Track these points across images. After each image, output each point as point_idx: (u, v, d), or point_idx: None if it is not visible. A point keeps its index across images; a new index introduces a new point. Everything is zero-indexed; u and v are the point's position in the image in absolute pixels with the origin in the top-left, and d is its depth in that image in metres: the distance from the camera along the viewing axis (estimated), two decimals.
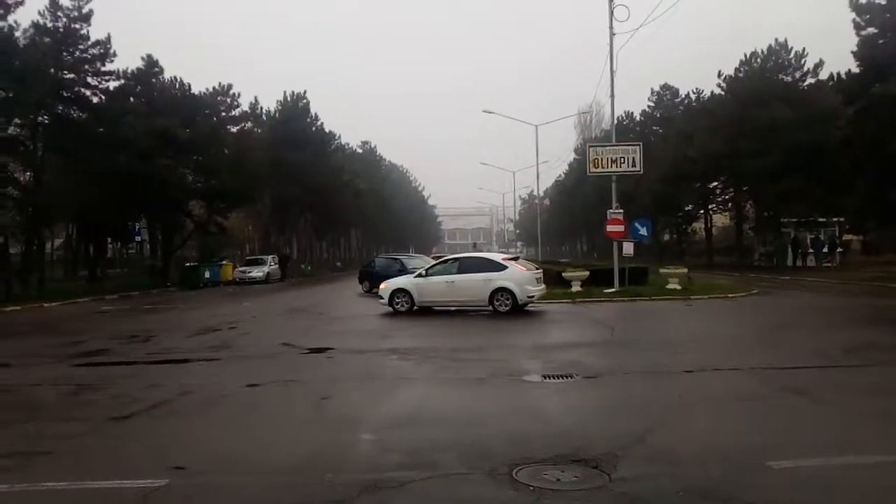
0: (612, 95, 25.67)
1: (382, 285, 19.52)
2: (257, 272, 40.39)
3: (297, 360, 11.62)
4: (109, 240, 41.92)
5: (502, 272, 17.89)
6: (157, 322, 19.18)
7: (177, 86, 38.93)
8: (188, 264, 39.10)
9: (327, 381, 9.44)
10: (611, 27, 24.09)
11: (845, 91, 30.32)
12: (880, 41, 27.81)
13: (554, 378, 9.24)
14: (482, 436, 6.33)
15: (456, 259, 19.81)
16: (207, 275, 37.46)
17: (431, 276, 18.76)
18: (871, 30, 28.10)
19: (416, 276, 19.16)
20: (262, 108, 50.36)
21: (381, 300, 19.06)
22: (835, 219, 40.49)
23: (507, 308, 17.53)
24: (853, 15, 28.32)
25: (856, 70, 29.44)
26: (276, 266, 43.36)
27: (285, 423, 7.33)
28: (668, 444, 5.94)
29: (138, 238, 41.30)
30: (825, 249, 38.93)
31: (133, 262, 44.79)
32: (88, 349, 13.34)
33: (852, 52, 29.03)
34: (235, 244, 55.17)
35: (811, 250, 39.24)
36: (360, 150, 75.86)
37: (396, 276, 21.09)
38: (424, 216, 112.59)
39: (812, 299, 21.26)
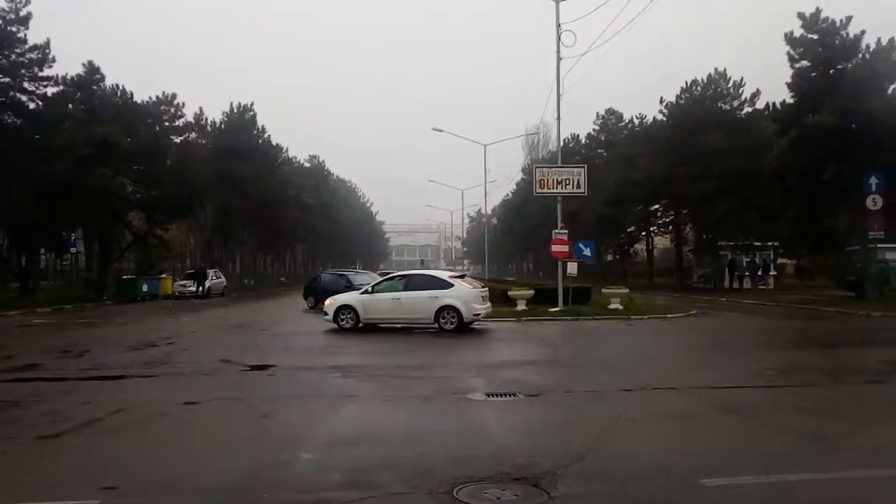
0: (559, 118, 26.20)
1: (327, 301, 19.33)
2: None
3: (237, 377, 11.37)
4: (43, 250, 40.30)
5: (448, 290, 17.94)
6: (91, 336, 18.51)
7: (118, 93, 37.91)
8: (125, 277, 37.89)
9: (268, 399, 9.26)
10: (558, 52, 24.61)
11: (780, 121, 31.50)
12: (812, 74, 29.07)
13: (498, 396, 9.28)
14: (424, 454, 6.32)
15: (403, 276, 19.79)
16: (145, 288, 36.30)
17: (378, 292, 18.69)
18: (805, 62, 29.35)
19: (362, 293, 19.05)
20: (207, 118, 49.57)
21: (326, 317, 18.85)
22: (770, 243, 42.08)
23: (452, 326, 17.56)
24: (788, 48, 29.62)
25: (790, 101, 30.65)
26: (220, 280, 42.42)
27: (223, 442, 7.15)
28: (606, 463, 6.04)
29: (73, 249, 39.79)
30: (760, 272, 40.43)
31: (68, 273, 43.10)
32: (17, 364, 12.76)
33: (787, 84, 30.25)
34: (176, 257, 53.74)
35: (747, 273, 40.66)
36: (307, 164, 75.21)
37: (342, 292, 20.90)
38: (372, 232, 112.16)
39: (747, 321, 21.99)
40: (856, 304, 25.23)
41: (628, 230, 53.64)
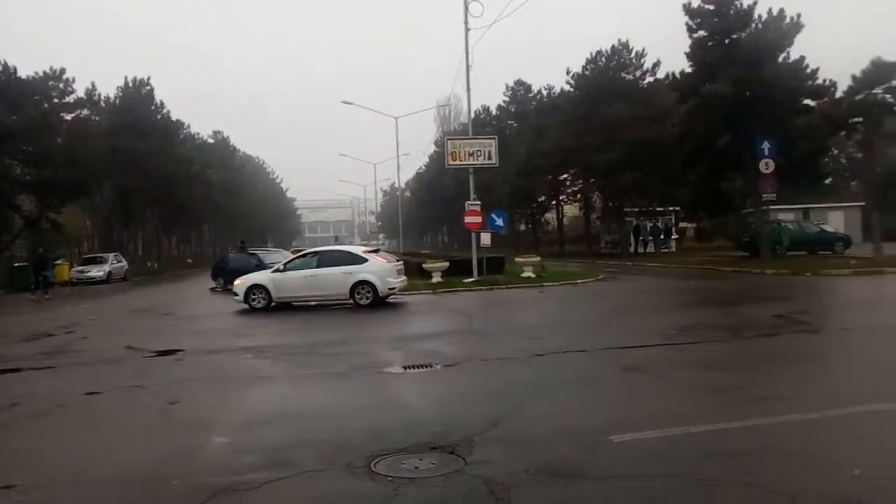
0: (469, 89, 26.24)
1: (237, 281, 18.77)
2: (97, 271, 37.33)
3: (142, 363, 10.88)
4: None
5: (363, 265, 17.79)
6: None
7: (0, 69, 35.10)
8: (17, 264, 35.49)
9: (176, 385, 8.92)
10: (466, 22, 24.59)
11: (679, 90, 32.63)
12: (709, 43, 30.17)
13: (415, 368, 9.31)
14: (341, 430, 6.27)
15: (315, 253, 19.45)
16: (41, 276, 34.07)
17: (290, 270, 18.31)
18: (702, 33, 30.42)
19: (273, 272, 18.61)
20: (100, 94, 46.61)
21: (237, 297, 18.33)
22: (672, 208, 44.02)
23: (368, 301, 17.45)
24: (686, 18, 30.58)
25: (689, 70, 31.71)
26: (120, 264, 40.42)
27: (129, 431, 6.84)
28: (520, 427, 6.17)
29: None
30: (662, 237, 42.29)
31: None
32: None
33: (685, 54, 31.27)
34: (72, 241, 50.75)
35: (651, 237, 42.44)
36: (211, 140, 72.40)
37: (253, 271, 20.35)
38: (283, 209, 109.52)
39: (651, 283, 22.95)
40: (751, 262, 26.78)
41: (539, 200, 54.72)
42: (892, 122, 34.13)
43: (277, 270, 18.55)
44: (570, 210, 59.86)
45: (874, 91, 28.64)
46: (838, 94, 30.98)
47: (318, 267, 18.08)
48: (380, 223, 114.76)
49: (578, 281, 22.90)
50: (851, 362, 8.91)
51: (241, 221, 76.30)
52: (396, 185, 70.16)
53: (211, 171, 59.72)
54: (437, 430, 6.02)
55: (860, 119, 29.63)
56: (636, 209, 43.24)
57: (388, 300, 18.27)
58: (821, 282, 20.12)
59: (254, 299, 18.00)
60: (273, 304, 17.99)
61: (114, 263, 39.38)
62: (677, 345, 10.09)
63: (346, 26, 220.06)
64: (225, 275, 25.31)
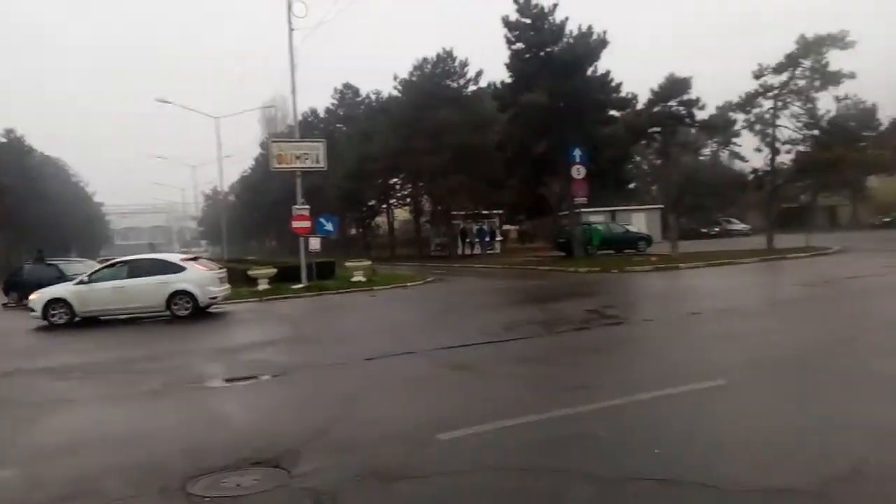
0: (294, 91, 25.70)
1: (33, 296, 16.89)
2: None
3: None
4: None
5: (180, 274, 16.74)
6: None
7: None
8: None
9: None
10: (289, 21, 24.06)
11: (500, 98, 34.29)
12: (526, 55, 31.91)
13: (238, 381, 8.92)
14: (155, 453, 5.82)
15: (125, 262, 17.91)
16: None
17: (96, 282, 16.77)
18: (520, 45, 32.09)
19: (77, 284, 16.95)
20: None
21: (34, 313, 16.50)
22: (496, 211, 46.04)
23: (187, 312, 16.46)
24: (505, 31, 32.10)
25: (508, 80, 33.30)
26: None
27: None
28: (349, 433, 6.09)
29: None
30: (488, 239, 44.12)
31: None
32: None
33: (505, 65, 32.83)
34: None
35: (477, 240, 44.09)
36: (3, 140, 64.64)
37: (53, 283, 18.39)
38: (89, 215, 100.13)
39: (477, 283, 23.81)
40: (566, 262, 28.67)
41: (370, 204, 54.83)
42: (685, 132, 38.26)
43: (82, 282, 16.92)
44: (402, 214, 60.62)
45: (669, 104, 31.75)
46: (640, 106, 34.12)
47: (129, 277, 16.73)
48: (202, 229, 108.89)
49: (409, 284, 23.22)
50: (652, 350, 9.80)
51: (39, 230, 68.71)
52: (219, 189, 66.94)
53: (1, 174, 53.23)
54: (261, 444, 5.79)
55: (658, 129, 32.72)
56: (463, 212, 44.68)
57: (209, 310, 17.35)
58: (626, 278, 21.98)
59: (54, 315, 16.30)
60: (77, 318, 16.39)
61: None
62: (500, 342, 10.52)
63: (160, 15, 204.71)
64: (19, 289, 22.73)
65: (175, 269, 16.93)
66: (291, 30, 24.27)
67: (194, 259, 18.81)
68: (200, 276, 17.00)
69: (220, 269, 18.99)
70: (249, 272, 23.53)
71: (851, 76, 27.84)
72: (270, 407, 7.68)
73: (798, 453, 4.95)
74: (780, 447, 5.09)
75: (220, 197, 68.41)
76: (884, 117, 50.99)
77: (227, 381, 8.96)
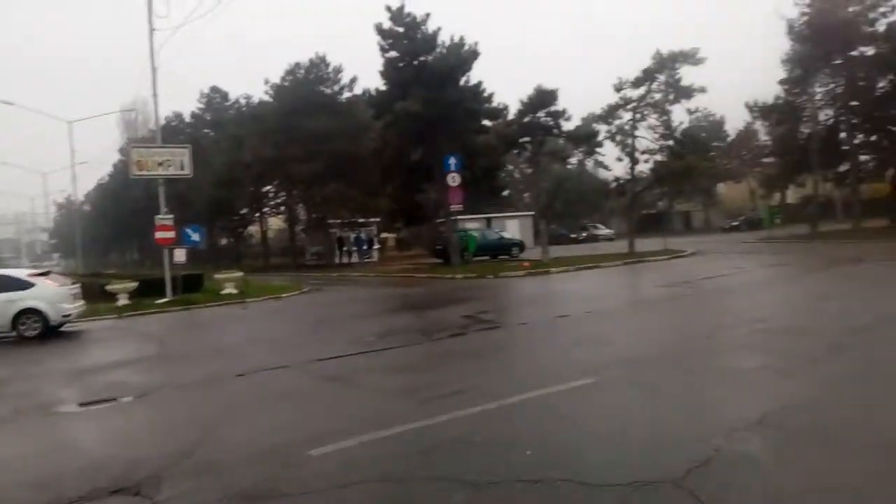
0: (156, 94, 24.43)
1: None
2: None
3: None
4: None
5: (28, 291, 15.38)
6: None
7: None
8: None
9: None
10: (150, 21, 22.86)
11: (376, 106, 34.10)
12: (400, 64, 32.02)
13: (94, 404, 8.28)
14: None
15: None
16: None
17: None
18: (394, 53, 32.11)
19: None
20: None
21: None
22: (373, 219, 45.86)
23: (36, 332, 15.15)
24: (379, 38, 32.05)
25: (383, 88, 33.26)
26: None
27: None
28: (216, 454, 5.81)
29: None
30: (365, 247, 43.88)
31: None
32: None
33: (380, 72, 32.79)
34: None
35: (354, 248, 43.74)
36: None
37: None
38: None
39: (354, 292, 23.59)
40: (443, 269, 29.04)
41: (241, 212, 52.99)
42: (554, 142, 39.94)
43: None
44: (276, 223, 59.00)
45: (538, 115, 33.00)
46: (510, 117, 35.24)
47: None
48: (54, 241, 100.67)
49: (283, 295, 22.61)
50: (526, 353, 10.08)
51: None
52: (73, 198, 62.21)
53: None
54: (120, 471, 5.42)
55: (528, 139, 33.92)
56: (339, 220, 44.20)
57: (62, 329, 16.07)
58: (501, 283, 22.57)
59: None
60: None
61: None
62: (375, 351, 10.45)
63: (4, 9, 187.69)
64: None
65: (22, 285, 15.52)
66: (153, 30, 23.08)
67: (44, 274, 17.29)
68: (51, 293, 15.68)
69: (74, 284, 17.61)
70: (108, 287, 21.99)
71: (702, 90, 30.09)
72: (130, 431, 7.19)
73: (660, 446, 5.23)
74: (644, 441, 5.37)
75: (74, 206, 63.53)
76: (731, 129, 56.06)
77: (83, 405, 8.31)
